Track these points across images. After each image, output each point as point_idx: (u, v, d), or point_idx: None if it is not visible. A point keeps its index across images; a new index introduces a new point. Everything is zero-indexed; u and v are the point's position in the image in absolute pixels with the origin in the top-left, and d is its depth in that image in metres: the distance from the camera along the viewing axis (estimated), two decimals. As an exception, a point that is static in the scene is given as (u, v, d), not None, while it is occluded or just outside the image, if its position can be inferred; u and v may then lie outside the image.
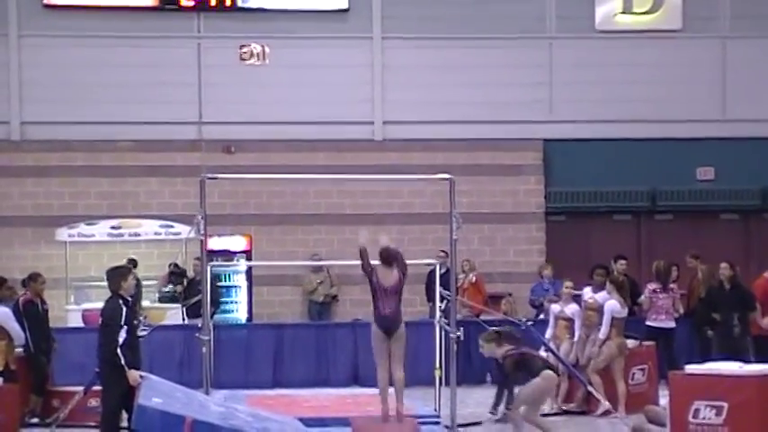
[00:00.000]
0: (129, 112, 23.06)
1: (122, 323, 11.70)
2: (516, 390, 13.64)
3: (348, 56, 23.59)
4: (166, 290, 21.63)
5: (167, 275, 21.67)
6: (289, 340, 19.48)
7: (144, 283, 22.04)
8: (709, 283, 18.39)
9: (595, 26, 23.94)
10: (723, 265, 17.73)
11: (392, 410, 13.58)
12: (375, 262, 13.81)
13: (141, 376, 11.59)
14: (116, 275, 12.20)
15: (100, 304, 21.68)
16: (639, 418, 14.66)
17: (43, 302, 15.75)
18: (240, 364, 19.01)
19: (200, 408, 11.22)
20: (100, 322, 12.07)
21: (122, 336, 11.63)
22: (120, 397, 11.67)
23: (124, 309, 11.82)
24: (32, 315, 15.27)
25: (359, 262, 13.66)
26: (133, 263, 21.22)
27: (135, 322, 12.40)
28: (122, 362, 11.55)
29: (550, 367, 13.22)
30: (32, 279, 15.68)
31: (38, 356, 15.18)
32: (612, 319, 15.62)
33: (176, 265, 21.54)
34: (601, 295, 15.99)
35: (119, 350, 11.57)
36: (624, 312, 15.81)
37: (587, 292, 16.20)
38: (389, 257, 13.52)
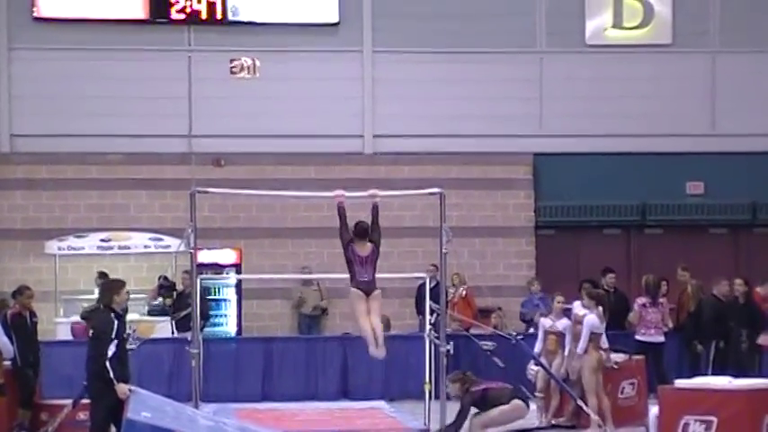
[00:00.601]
0: (119, 124, 23.02)
1: (113, 336, 11.68)
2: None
3: (338, 69, 23.60)
4: (156, 303, 21.59)
5: (157, 288, 21.63)
6: (278, 354, 19.47)
7: (133, 296, 22.01)
8: (698, 297, 18.46)
9: (586, 41, 23.98)
10: (738, 281, 17.88)
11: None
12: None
13: (130, 390, 11.55)
14: (109, 288, 12.21)
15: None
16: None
17: (33, 315, 15.71)
18: (229, 377, 18.99)
19: (190, 422, 11.18)
20: (90, 335, 12.04)
21: (112, 349, 11.61)
22: (108, 410, 11.64)
23: (115, 322, 11.80)
24: (20, 328, 15.23)
25: (348, 276, 13.63)
26: (104, 276, 21.27)
27: (125, 335, 12.37)
28: (111, 375, 11.52)
29: (521, 398, 13.97)
30: (20, 292, 15.67)
31: (25, 370, 15.13)
32: (591, 333, 15.60)
33: (165, 278, 21.51)
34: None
35: (107, 363, 11.54)
36: (602, 327, 15.79)
37: (577, 306, 16.19)
38: (363, 231, 13.51)
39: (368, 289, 13.53)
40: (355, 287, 13.53)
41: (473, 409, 13.88)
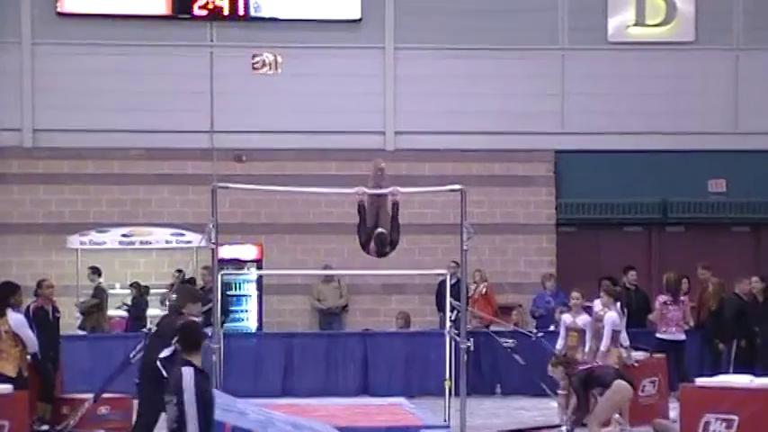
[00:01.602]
0: (140, 120, 23.09)
1: (173, 341, 11.64)
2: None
3: (360, 66, 23.60)
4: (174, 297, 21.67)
5: (176, 284, 21.78)
6: (299, 349, 19.50)
7: (153, 291, 22.17)
8: (719, 295, 18.41)
9: (608, 38, 23.92)
10: (754, 278, 17.85)
11: None
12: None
13: None
14: (187, 295, 12.23)
15: (110, 312, 21.94)
16: None
17: (55, 310, 15.77)
18: (250, 372, 19.02)
19: (240, 415, 11.17)
20: (152, 332, 12.03)
21: (166, 352, 11.51)
22: (157, 411, 11.62)
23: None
24: (41, 322, 15.28)
25: (369, 272, 13.65)
26: (97, 272, 21.40)
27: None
28: (164, 373, 11.49)
29: (623, 377, 13.39)
30: (38, 285, 15.74)
31: (44, 363, 15.17)
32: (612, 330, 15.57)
33: (181, 271, 21.65)
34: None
35: (158, 362, 11.54)
36: (621, 324, 15.75)
37: (597, 304, 16.15)
38: (382, 245, 13.49)
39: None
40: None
41: None
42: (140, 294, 21.78)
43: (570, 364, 13.88)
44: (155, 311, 21.33)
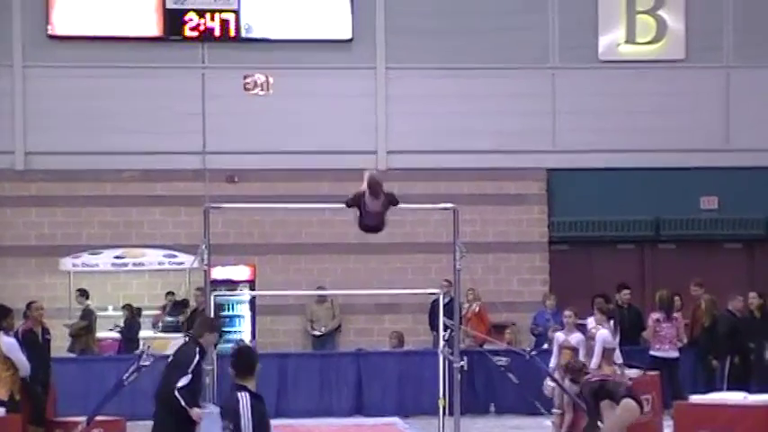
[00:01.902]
0: (133, 141, 23.08)
1: (190, 370, 11.63)
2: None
3: (351, 86, 23.63)
4: (170, 320, 21.68)
5: (165, 308, 21.86)
6: (292, 370, 19.47)
7: (146, 312, 22.14)
8: (711, 312, 18.43)
9: (598, 56, 23.97)
10: (752, 294, 17.87)
11: None
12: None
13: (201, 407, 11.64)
14: (205, 325, 12.24)
15: (102, 334, 21.92)
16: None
17: (45, 332, 15.71)
18: (243, 393, 18.93)
19: None
20: (169, 361, 12.02)
21: (183, 381, 11.56)
22: None
23: (197, 357, 11.79)
24: (31, 344, 15.21)
25: (363, 292, 13.66)
26: (86, 294, 21.35)
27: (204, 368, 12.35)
28: (182, 403, 11.47)
29: (633, 395, 12.94)
30: (27, 308, 15.69)
31: (34, 386, 15.11)
32: (603, 349, 15.55)
33: (171, 293, 21.67)
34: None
35: (176, 392, 11.52)
36: (614, 342, 15.74)
37: (591, 322, 16.15)
38: (377, 187, 13.53)
39: (371, 229, 13.53)
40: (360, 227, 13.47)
41: None
42: (132, 316, 21.75)
43: (580, 371, 13.66)
44: (147, 333, 21.29)
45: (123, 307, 21.96)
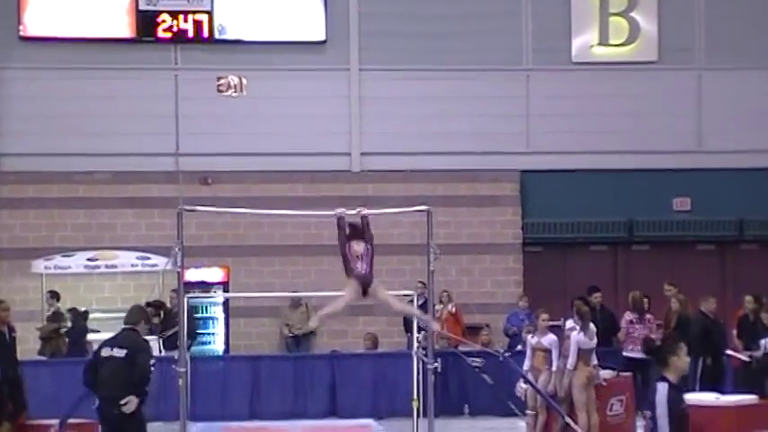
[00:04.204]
0: (105, 143, 22.99)
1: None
2: None
3: (325, 87, 23.61)
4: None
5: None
6: (266, 372, 19.43)
7: (114, 315, 21.95)
8: (682, 311, 18.46)
9: (572, 58, 24.03)
10: (747, 298, 17.91)
11: None
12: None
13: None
14: (141, 313, 13.23)
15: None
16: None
17: (11, 330, 15.60)
18: (217, 395, 18.93)
19: None
20: (123, 354, 12.28)
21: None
22: None
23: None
24: (-1, 344, 15.12)
25: (338, 293, 13.62)
26: (56, 296, 21.12)
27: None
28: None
29: None
30: None
31: (1, 385, 14.99)
32: (579, 349, 15.59)
33: (150, 303, 21.49)
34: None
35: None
36: (591, 343, 15.77)
37: (569, 323, 16.16)
38: (359, 232, 13.57)
39: (365, 282, 13.50)
40: (355, 279, 13.47)
41: None
42: (77, 319, 21.28)
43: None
44: (94, 336, 20.97)
45: (68, 310, 21.46)
